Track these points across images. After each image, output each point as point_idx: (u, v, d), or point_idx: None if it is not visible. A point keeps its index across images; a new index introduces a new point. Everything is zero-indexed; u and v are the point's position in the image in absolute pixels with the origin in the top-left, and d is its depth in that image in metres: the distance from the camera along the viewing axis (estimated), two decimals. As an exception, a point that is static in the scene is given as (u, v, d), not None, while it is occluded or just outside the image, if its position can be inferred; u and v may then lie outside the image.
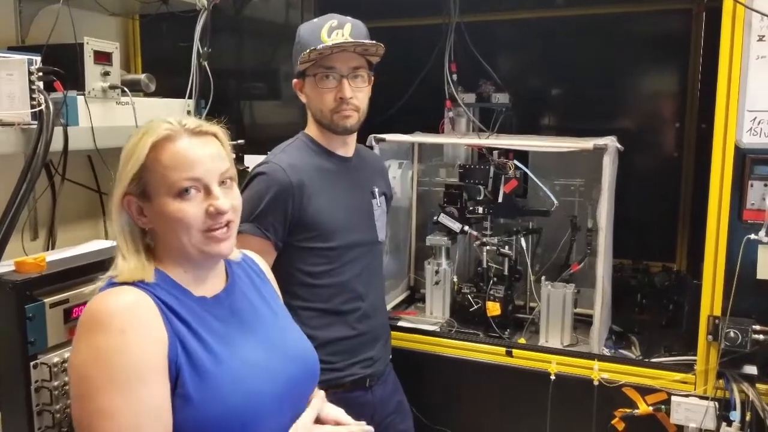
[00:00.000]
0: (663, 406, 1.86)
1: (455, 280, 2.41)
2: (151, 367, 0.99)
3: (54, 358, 1.40)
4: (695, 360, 1.84)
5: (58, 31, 1.92)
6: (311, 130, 1.72)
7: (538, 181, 2.21)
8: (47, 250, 2.13)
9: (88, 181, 2.33)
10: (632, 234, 2.58)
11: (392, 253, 2.57)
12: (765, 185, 1.71)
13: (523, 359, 2.04)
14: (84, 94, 1.83)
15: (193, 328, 1.06)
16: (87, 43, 1.84)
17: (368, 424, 1.25)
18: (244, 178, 1.65)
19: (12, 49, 1.97)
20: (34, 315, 1.36)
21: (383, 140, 2.32)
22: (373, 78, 1.69)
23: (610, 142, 2.02)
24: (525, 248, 2.33)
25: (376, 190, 1.80)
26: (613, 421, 1.91)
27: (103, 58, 1.89)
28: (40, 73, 1.63)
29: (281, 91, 2.36)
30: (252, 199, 1.58)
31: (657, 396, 1.87)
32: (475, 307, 2.28)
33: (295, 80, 1.69)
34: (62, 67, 1.73)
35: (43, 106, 1.60)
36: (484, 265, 2.32)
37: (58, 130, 1.68)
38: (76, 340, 1.02)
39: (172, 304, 1.06)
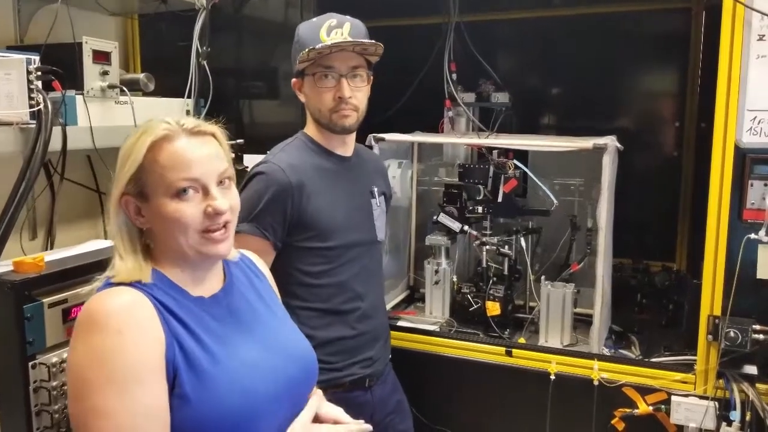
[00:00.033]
0: (663, 406, 1.86)
1: (455, 279, 2.41)
2: (148, 367, 0.99)
3: (53, 358, 1.40)
4: (695, 360, 1.84)
5: (56, 31, 1.92)
6: (310, 129, 1.72)
7: (537, 181, 2.20)
8: (46, 249, 2.13)
9: (87, 180, 2.33)
10: (632, 233, 2.58)
11: (392, 253, 2.57)
12: (765, 185, 1.71)
13: (523, 359, 2.04)
14: (83, 94, 1.83)
15: (191, 329, 1.06)
16: (86, 42, 1.84)
17: (368, 423, 1.25)
18: (244, 178, 1.65)
19: (10, 48, 1.96)
20: (32, 315, 1.36)
21: (383, 140, 2.32)
22: (372, 77, 1.69)
23: (610, 141, 2.02)
24: (525, 248, 2.33)
25: (376, 189, 1.80)
26: (613, 421, 1.91)
27: (101, 57, 1.89)
28: (39, 73, 1.62)
29: (280, 90, 2.36)
30: (251, 199, 1.58)
31: (657, 396, 1.87)
32: (475, 306, 2.27)
33: (293, 79, 1.69)
34: (61, 67, 1.73)
35: (41, 106, 1.60)
36: (484, 265, 2.32)
37: (56, 130, 1.68)
38: (73, 340, 1.01)
39: (170, 304, 1.06)
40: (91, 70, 1.86)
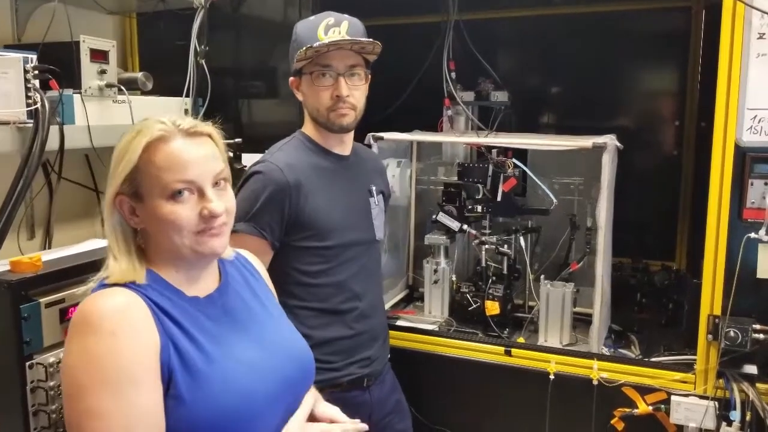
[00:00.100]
0: (663, 406, 1.85)
1: (454, 279, 2.40)
2: (143, 369, 0.98)
3: (50, 358, 1.40)
4: (695, 359, 1.84)
5: (54, 30, 1.92)
6: (308, 128, 1.71)
7: (537, 180, 2.20)
8: (44, 249, 2.13)
9: (85, 179, 2.33)
10: (632, 233, 2.57)
11: (391, 252, 2.57)
12: (765, 184, 1.70)
13: (522, 359, 2.03)
14: (80, 93, 1.83)
15: (186, 329, 1.05)
16: (83, 41, 1.84)
17: (366, 423, 1.24)
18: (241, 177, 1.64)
19: (8, 47, 1.96)
20: (29, 315, 1.36)
21: (381, 139, 2.32)
22: (370, 76, 1.68)
23: (610, 140, 2.01)
24: (524, 247, 2.33)
25: (374, 188, 1.79)
26: (612, 421, 1.90)
27: (99, 56, 1.89)
28: (36, 72, 1.62)
29: (279, 89, 2.36)
30: (248, 199, 1.57)
31: (657, 395, 1.87)
32: (474, 306, 2.27)
33: (291, 78, 1.68)
34: (58, 66, 1.73)
35: (38, 105, 1.60)
36: (483, 264, 2.31)
37: (54, 129, 1.68)
38: (67, 342, 1.01)
39: (164, 305, 1.05)
40: (88, 69, 1.85)
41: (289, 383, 1.15)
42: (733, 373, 1.76)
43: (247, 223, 1.56)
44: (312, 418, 1.20)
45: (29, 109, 1.59)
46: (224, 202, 1.09)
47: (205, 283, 1.15)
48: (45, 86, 1.68)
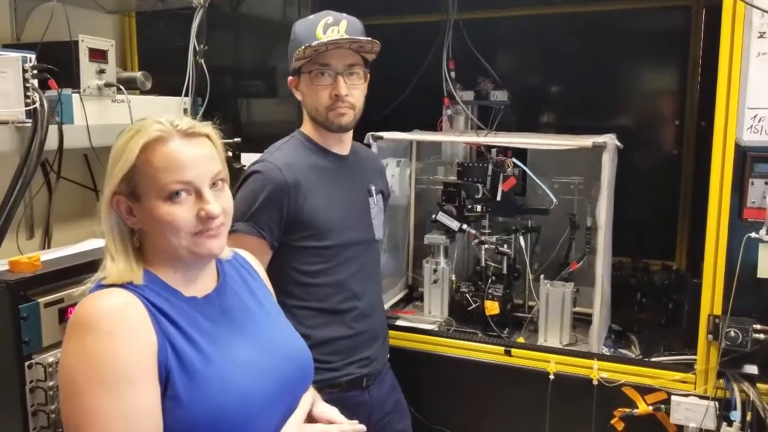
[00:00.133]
0: (663, 406, 1.85)
1: (454, 278, 2.40)
2: (140, 369, 0.98)
3: (49, 357, 1.40)
4: (695, 359, 1.83)
5: (53, 29, 1.92)
6: (307, 128, 1.71)
7: (536, 179, 2.19)
8: (43, 248, 2.12)
9: (84, 179, 2.32)
10: (632, 232, 2.57)
11: (390, 252, 2.56)
12: (766, 183, 1.70)
13: (522, 358, 2.03)
14: (79, 92, 1.82)
15: (183, 329, 1.05)
16: (82, 40, 1.83)
17: (365, 424, 1.24)
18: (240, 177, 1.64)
19: (7, 46, 1.96)
20: (28, 315, 1.36)
21: (381, 138, 2.32)
22: (369, 75, 1.68)
23: (610, 140, 2.01)
24: (524, 247, 2.32)
25: (373, 188, 1.79)
26: (612, 421, 1.90)
27: (98, 55, 1.88)
28: (35, 71, 1.62)
29: (278, 88, 2.35)
30: (247, 198, 1.57)
31: (657, 395, 1.86)
32: (474, 306, 2.27)
33: (290, 77, 1.68)
34: (57, 65, 1.72)
35: (37, 104, 1.60)
36: (483, 264, 2.31)
37: (53, 129, 1.68)
38: (65, 342, 1.01)
39: (162, 305, 1.05)
40: (87, 69, 1.85)
41: (287, 383, 1.15)
42: (733, 373, 1.76)
43: (246, 222, 1.56)
44: (310, 418, 1.19)
45: (28, 108, 1.59)
46: (222, 203, 1.09)
47: (203, 284, 1.15)
48: (44, 86, 1.68)
